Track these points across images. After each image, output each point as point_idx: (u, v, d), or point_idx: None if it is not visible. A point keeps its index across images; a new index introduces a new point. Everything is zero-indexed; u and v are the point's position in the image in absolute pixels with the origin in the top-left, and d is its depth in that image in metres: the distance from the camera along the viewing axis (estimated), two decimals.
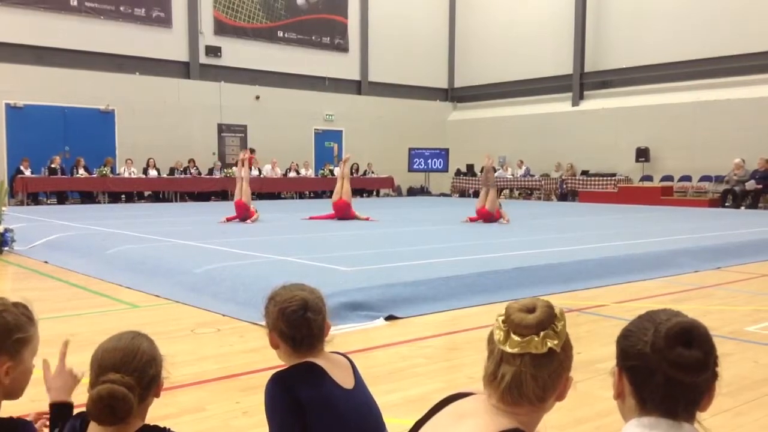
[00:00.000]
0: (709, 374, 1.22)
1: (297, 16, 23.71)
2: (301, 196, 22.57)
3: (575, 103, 23.48)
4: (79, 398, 2.29)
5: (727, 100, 19.27)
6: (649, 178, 20.85)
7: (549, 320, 1.29)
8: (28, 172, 17.61)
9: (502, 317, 1.32)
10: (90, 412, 1.42)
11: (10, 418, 1.55)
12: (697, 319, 1.26)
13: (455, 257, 7.40)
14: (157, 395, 1.55)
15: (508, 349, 1.28)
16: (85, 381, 1.53)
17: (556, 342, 1.28)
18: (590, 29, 23.09)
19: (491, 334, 1.35)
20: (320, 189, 22.93)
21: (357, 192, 23.65)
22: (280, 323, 1.82)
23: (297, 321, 1.81)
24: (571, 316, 5.32)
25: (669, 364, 1.20)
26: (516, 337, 1.28)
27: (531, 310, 1.30)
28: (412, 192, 25.27)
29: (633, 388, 1.27)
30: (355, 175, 23.64)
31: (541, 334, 1.27)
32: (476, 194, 24.30)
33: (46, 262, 8.06)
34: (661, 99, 20.88)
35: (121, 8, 20.06)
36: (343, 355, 1.97)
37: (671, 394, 1.22)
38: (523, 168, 23.34)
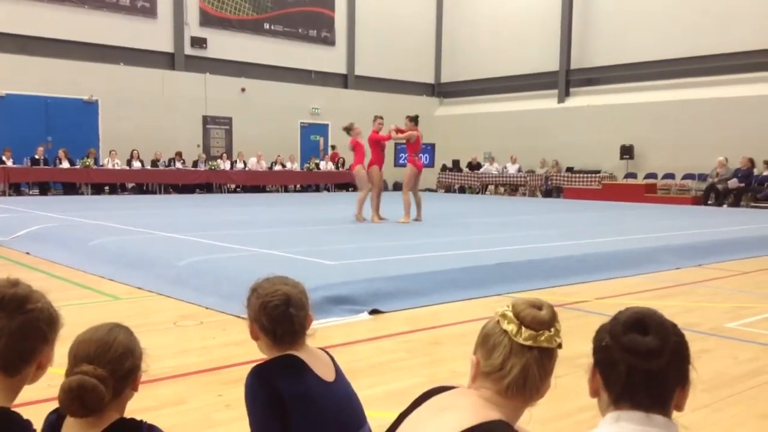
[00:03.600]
0: (668, 364, 1.24)
1: (284, 8, 23.59)
2: (287, 189, 22.51)
3: (561, 100, 23.58)
4: (53, 391, 2.27)
5: (711, 98, 19.44)
6: (633, 175, 21.01)
7: (555, 318, 1.38)
8: (9, 163, 17.41)
9: (510, 311, 1.37)
10: (60, 402, 1.41)
11: (12, 411, 1.53)
12: (658, 311, 1.30)
13: (439, 252, 7.41)
14: (135, 389, 1.53)
15: (520, 340, 1.33)
16: (62, 371, 1.51)
17: (559, 340, 1.37)
18: (576, 27, 23.18)
19: (494, 329, 1.38)
20: (306, 182, 22.89)
21: (343, 186, 23.69)
22: (262, 317, 1.81)
23: (279, 316, 1.79)
24: None
25: (624, 349, 1.25)
26: (530, 331, 1.34)
27: (539, 307, 1.37)
28: (398, 187, 25.23)
29: (603, 382, 1.30)
30: (340, 169, 23.66)
31: (552, 330, 1.35)
32: (462, 189, 24.49)
33: (27, 253, 7.98)
34: (645, 97, 21.03)
35: None
36: (323, 350, 1.97)
37: (633, 383, 1.25)
38: (516, 165, 23.31)
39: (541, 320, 1.34)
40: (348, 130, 11.28)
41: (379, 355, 4.21)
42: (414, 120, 11.10)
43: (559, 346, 1.37)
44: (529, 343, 1.33)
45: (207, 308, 5.24)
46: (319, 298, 4.99)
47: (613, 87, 22.25)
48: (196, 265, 6.31)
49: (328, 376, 1.85)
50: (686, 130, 19.74)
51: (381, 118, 11.27)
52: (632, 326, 1.26)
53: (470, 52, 26.30)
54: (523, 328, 1.34)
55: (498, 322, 1.37)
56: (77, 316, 4.98)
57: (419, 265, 6.46)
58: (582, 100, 23.06)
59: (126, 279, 6.31)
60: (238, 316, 4.69)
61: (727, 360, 4.14)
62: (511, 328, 1.34)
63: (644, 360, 1.23)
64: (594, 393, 1.34)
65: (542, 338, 1.33)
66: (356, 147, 11.12)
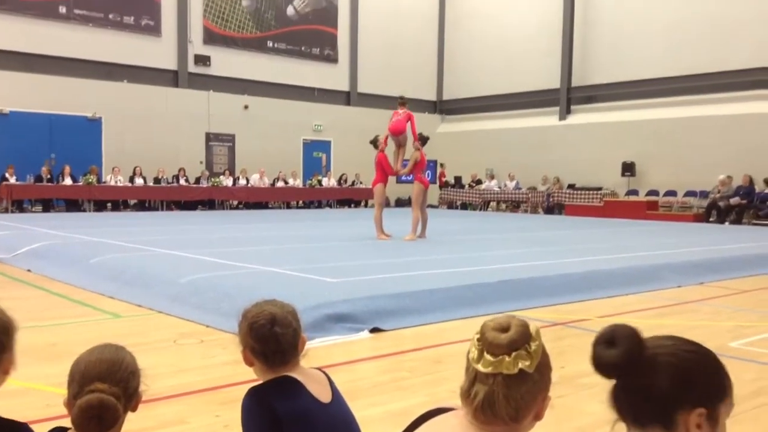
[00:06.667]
0: (649, 381, 1.21)
1: (287, 26, 23.76)
2: (289, 206, 22.54)
3: (562, 117, 23.65)
4: (51, 411, 2.26)
5: (711, 116, 19.49)
6: (634, 192, 21.01)
7: (522, 340, 1.27)
8: (13, 180, 17.47)
9: (478, 335, 1.31)
10: (76, 422, 1.41)
11: (13, 421, 1.55)
12: (635, 327, 1.24)
13: (440, 269, 7.40)
14: (134, 409, 1.54)
15: (480, 368, 1.26)
16: (62, 391, 1.51)
17: (528, 363, 1.26)
18: (577, 44, 23.30)
19: (468, 350, 1.35)
20: (308, 199, 22.93)
21: (345, 203, 23.73)
22: (250, 339, 1.83)
23: (264, 336, 1.81)
24: (555, 330, 5.33)
25: (592, 362, 1.22)
26: (489, 357, 1.26)
27: (505, 329, 1.28)
28: (400, 203, 25.29)
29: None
30: (343, 185, 23.71)
31: (513, 354, 1.25)
32: (464, 206, 24.52)
33: (29, 270, 7.98)
34: (646, 114, 21.09)
35: (110, 16, 20.02)
36: (320, 369, 1.97)
37: (622, 400, 1.23)
38: (514, 182, 23.42)
39: (499, 344, 1.25)
40: (375, 143, 11.48)
41: (380, 374, 4.19)
42: (423, 141, 11.39)
43: (523, 370, 1.25)
44: (488, 369, 1.25)
45: (207, 326, 5.22)
46: (319, 315, 4.98)
47: (614, 104, 22.33)
48: (197, 283, 6.30)
49: (325, 396, 1.84)
50: (687, 148, 19.77)
51: (386, 137, 11.47)
52: (601, 338, 1.23)
53: (472, 69, 26.43)
54: (485, 354, 1.26)
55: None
56: (77, 334, 4.97)
57: (421, 282, 6.45)
58: (583, 117, 23.12)
59: (126, 296, 6.30)
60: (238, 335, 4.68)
61: None
62: (473, 354, 1.28)
63: (603, 371, 1.22)
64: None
65: (502, 364, 1.24)
66: (381, 163, 11.34)
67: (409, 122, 11.34)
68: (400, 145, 11.57)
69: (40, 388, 3.53)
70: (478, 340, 1.29)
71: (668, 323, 5.70)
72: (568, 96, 23.56)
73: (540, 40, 24.03)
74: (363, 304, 5.50)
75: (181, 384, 3.79)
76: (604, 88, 22.66)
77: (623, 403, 1.24)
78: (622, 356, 1.21)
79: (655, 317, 5.96)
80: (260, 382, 1.85)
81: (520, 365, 1.25)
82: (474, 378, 1.28)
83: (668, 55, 20.63)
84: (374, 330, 5.21)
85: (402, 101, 11.60)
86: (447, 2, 27.60)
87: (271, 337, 1.81)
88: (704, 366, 1.25)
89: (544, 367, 1.30)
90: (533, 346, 1.27)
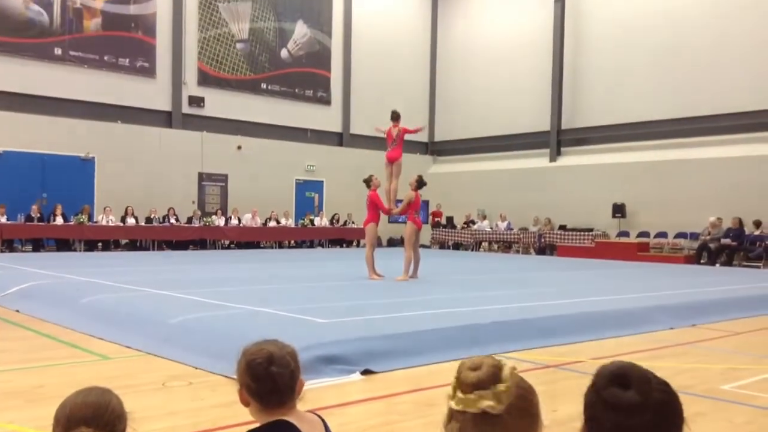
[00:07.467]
0: (653, 421, 1.21)
1: (281, 69, 24.06)
2: (281, 245, 22.50)
3: (553, 159, 23.88)
4: None
5: (701, 158, 19.72)
6: (625, 233, 21.10)
7: (489, 381, 1.26)
8: (3, 219, 17.40)
9: (457, 373, 1.32)
10: None
11: None
12: (641, 366, 1.26)
13: (433, 310, 7.37)
14: None
15: (453, 405, 1.28)
16: None
17: (491, 404, 1.24)
18: (567, 87, 23.67)
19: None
20: (300, 239, 22.91)
21: (337, 242, 23.73)
22: (246, 377, 1.81)
23: (261, 375, 1.79)
24: (548, 372, 5.30)
25: (605, 404, 1.21)
26: (460, 394, 1.27)
27: (477, 368, 1.29)
28: (392, 243, 25.31)
29: None
30: (335, 225, 23.75)
31: (476, 393, 1.25)
32: (456, 246, 24.57)
33: (17, 311, 7.90)
34: (637, 156, 21.31)
35: (106, 58, 20.21)
36: (315, 413, 1.95)
37: None
38: (506, 222, 23.54)
39: (469, 383, 1.26)
40: (368, 182, 11.59)
41: (372, 418, 4.14)
42: (420, 184, 11.50)
43: (486, 411, 1.24)
44: (459, 407, 1.26)
45: (196, 368, 5.16)
46: (310, 357, 4.93)
47: (604, 147, 22.56)
48: (187, 324, 6.25)
49: None
50: (677, 190, 19.94)
51: (377, 177, 11.61)
52: (614, 380, 1.23)
53: (463, 111, 26.77)
54: (457, 392, 1.28)
55: None
56: (65, 376, 4.90)
57: (413, 323, 6.41)
58: (573, 159, 23.35)
59: (116, 338, 6.23)
60: (228, 377, 4.63)
61: (722, 423, 4.09)
62: (449, 391, 1.30)
63: (625, 416, 1.20)
64: None
65: (468, 403, 1.25)
66: (374, 202, 11.46)
67: (406, 134, 11.59)
68: (394, 176, 11.67)
69: (26, 431, 3.47)
70: (455, 378, 1.31)
71: (661, 365, 5.68)
72: (559, 138, 23.83)
73: (530, 84, 24.41)
74: (354, 345, 5.46)
75: (169, 427, 3.74)
76: (594, 131, 22.93)
77: None
78: (641, 398, 1.21)
79: (648, 359, 5.93)
80: (254, 426, 1.83)
81: (482, 405, 1.24)
82: (450, 416, 1.29)
83: (657, 98, 20.96)
84: (366, 372, 5.16)
85: (395, 116, 11.69)
86: (438, 46, 28.10)
87: (267, 376, 1.79)
88: (677, 400, 1.26)
89: (520, 411, 1.28)
90: (501, 387, 1.26)
